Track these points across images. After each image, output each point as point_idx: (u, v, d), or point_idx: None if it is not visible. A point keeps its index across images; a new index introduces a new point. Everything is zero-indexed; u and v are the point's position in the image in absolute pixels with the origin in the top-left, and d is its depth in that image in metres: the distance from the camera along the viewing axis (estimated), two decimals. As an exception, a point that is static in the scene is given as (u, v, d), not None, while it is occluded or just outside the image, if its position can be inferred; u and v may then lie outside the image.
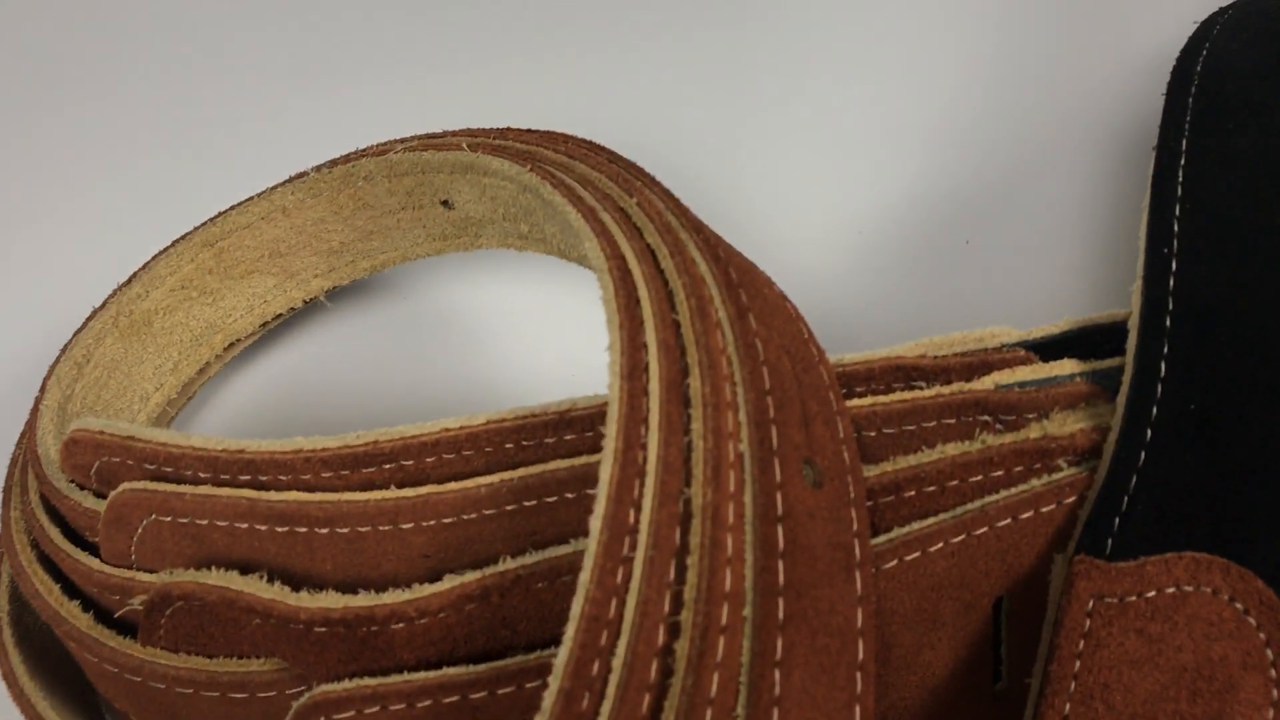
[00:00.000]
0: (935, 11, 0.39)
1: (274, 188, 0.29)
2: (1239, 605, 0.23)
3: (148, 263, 0.29)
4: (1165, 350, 0.23)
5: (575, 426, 0.24)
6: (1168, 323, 0.24)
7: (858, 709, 0.21)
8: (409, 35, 0.40)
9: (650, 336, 0.22)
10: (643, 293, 0.22)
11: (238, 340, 0.31)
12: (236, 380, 0.32)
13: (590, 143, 0.27)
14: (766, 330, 0.23)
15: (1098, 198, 0.35)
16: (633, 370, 0.21)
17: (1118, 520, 0.23)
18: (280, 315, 0.31)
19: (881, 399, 0.24)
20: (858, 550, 0.22)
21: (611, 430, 0.20)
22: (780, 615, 0.20)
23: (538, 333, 0.32)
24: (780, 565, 0.20)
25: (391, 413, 0.31)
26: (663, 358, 0.21)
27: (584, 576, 0.19)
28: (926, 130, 0.37)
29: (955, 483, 0.23)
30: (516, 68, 0.39)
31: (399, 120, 0.37)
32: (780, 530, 0.20)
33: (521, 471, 0.23)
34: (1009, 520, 0.23)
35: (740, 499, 0.20)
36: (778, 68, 0.38)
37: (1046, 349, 0.25)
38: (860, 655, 0.21)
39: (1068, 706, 0.22)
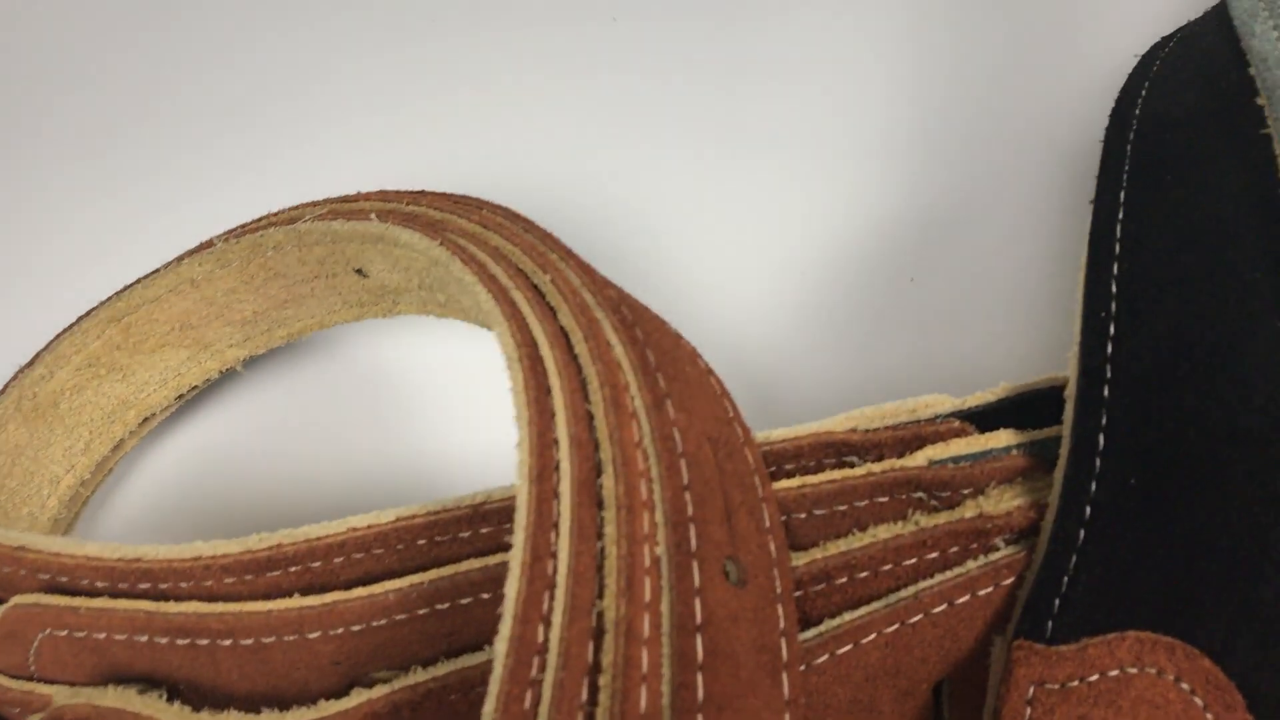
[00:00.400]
0: (879, 40, 0.38)
1: (180, 259, 0.28)
2: (1185, 686, 0.22)
3: (50, 342, 0.28)
4: (1103, 422, 0.22)
5: (491, 520, 0.23)
6: (1105, 392, 0.23)
7: (787, 821, 0.20)
8: (337, 82, 0.38)
9: (562, 432, 0.21)
10: (555, 383, 0.21)
11: (153, 414, 0.30)
12: (155, 453, 0.30)
13: (507, 211, 0.26)
14: (687, 417, 0.22)
15: (1049, 230, 0.34)
16: (542, 472, 0.20)
17: (1058, 602, 0.22)
18: (196, 387, 0.30)
19: (811, 479, 0.23)
20: (784, 650, 0.21)
21: (519, 540, 0.19)
22: (699, 734, 0.19)
23: (469, 394, 0.31)
24: (699, 679, 0.19)
25: (315, 483, 0.30)
26: (574, 455, 0.20)
27: (488, 707, 0.18)
28: (869, 163, 0.36)
29: (889, 567, 0.22)
30: (452, 108, 0.38)
31: (321, 168, 0.36)
32: (699, 641, 0.19)
33: (433, 574, 0.22)
34: (944, 606, 0.22)
35: (656, 609, 0.19)
36: (713, 103, 0.37)
37: (983, 418, 0.24)
38: (789, 763, 0.20)
39: (1009, 801, 0.21)
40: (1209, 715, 0.22)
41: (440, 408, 0.31)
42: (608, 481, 0.20)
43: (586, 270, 0.24)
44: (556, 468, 0.20)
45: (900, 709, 0.23)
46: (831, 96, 0.37)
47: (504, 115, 0.37)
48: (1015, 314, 0.33)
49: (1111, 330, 0.23)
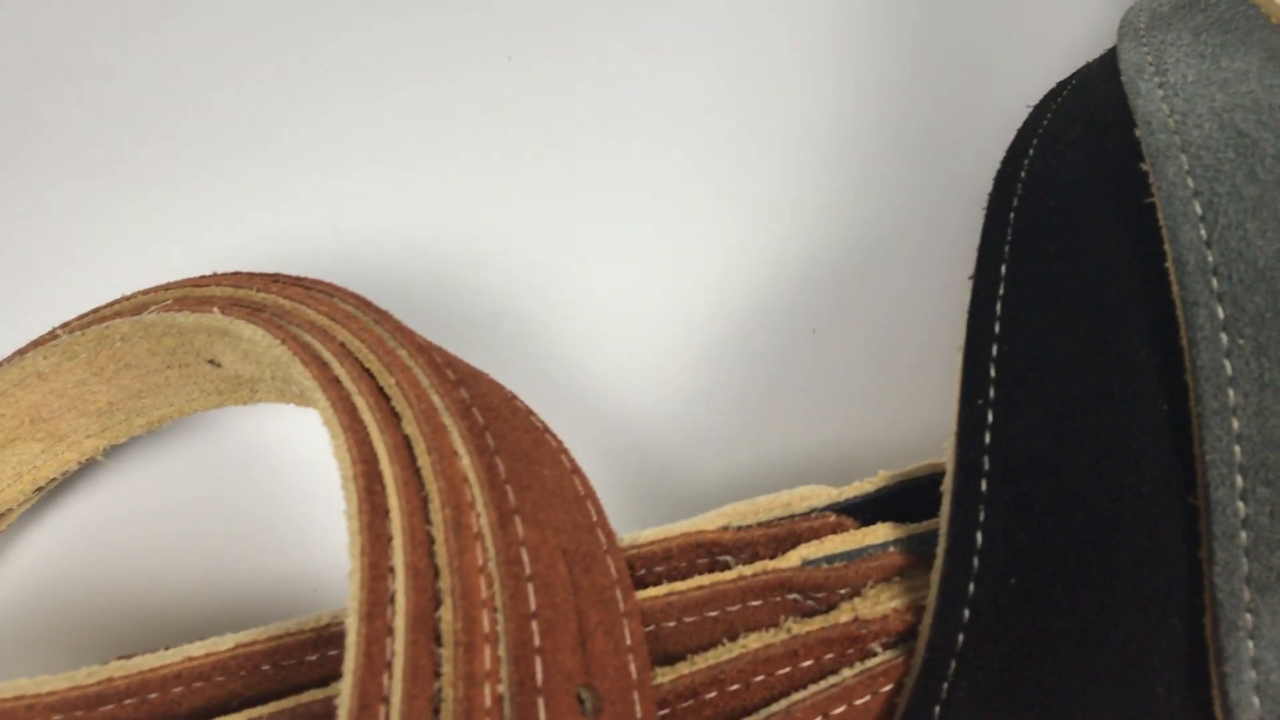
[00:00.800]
0: (783, 72, 0.37)
1: (23, 352, 0.26)
2: (1073, 797, 0.21)
3: (-114, 444, 0.26)
4: (980, 518, 0.21)
5: (337, 642, 0.21)
6: (983, 486, 0.21)
7: None
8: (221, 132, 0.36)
9: (398, 560, 0.19)
10: (393, 503, 0.20)
11: (9, 509, 0.28)
12: (13, 552, 0.29)
13: (359, 300, 0.25)
14: (538, 532, 0.20)
15: (957, 277, 0.33)
16: (374, 609, 0.19)
17: (938, 709, 0.21)
18: (54, 479, 0.28)
19: (679, 586, 0.22)
20: (645, 785, 0.19)
21: (346, 686, 0.18)
22: None
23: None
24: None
25: (191, 578, 0.28)
26: (411, 586, 0.19)
27: None
28: (768, 210, 0.34)
29: (761, 678, 0.21)
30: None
31: (200, 224, 0.34)
32: (542, 787, 0.18)
33: (271, 708, 0.21)
34: (819, 719, 0.21)
35: (497, 755, 0.18)
36: (592, 145, 0.35)
37: (862, 510, 0.23)
38: None
39: None
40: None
41: (322, 489, 0.29)
42: (446, 615, 0.19)
43: (438, 369, 0.22)
44: (391, 600, 0.19)
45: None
46: (730, 139, 0.35)
47: (394, 162, 0.35)
48: (925, 369, 0.32)
49: (989, 419, 0.22)
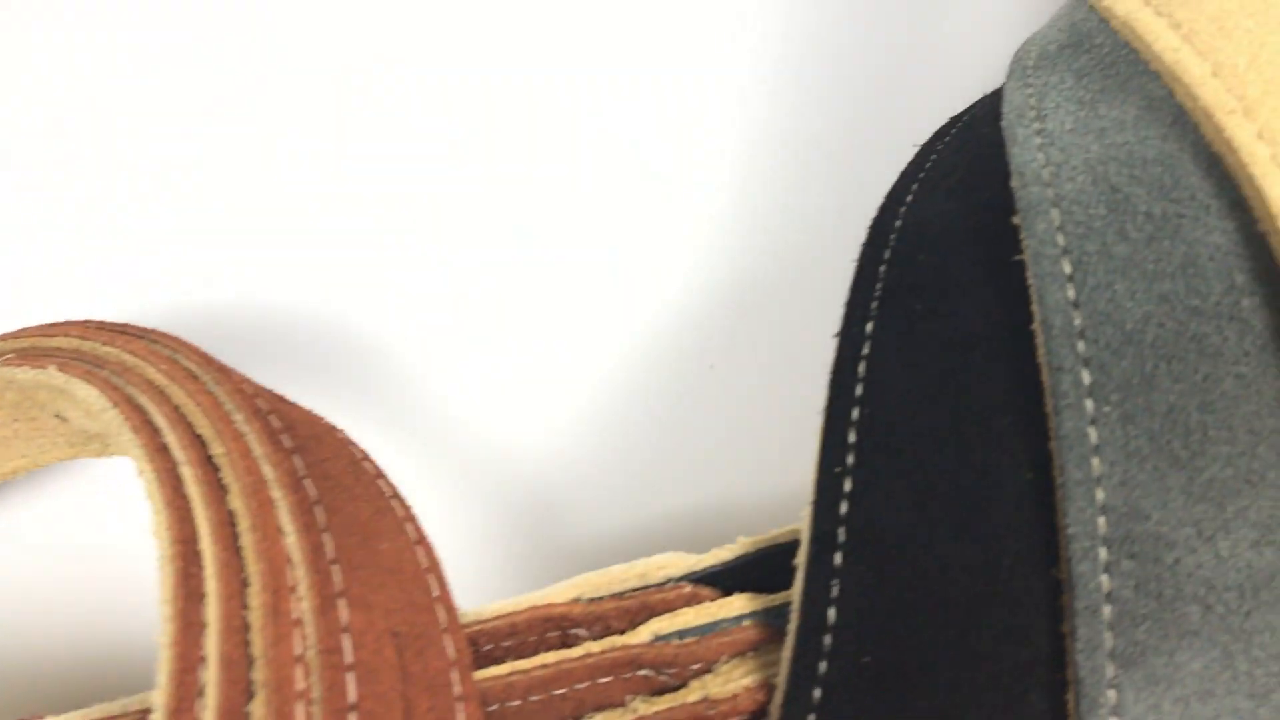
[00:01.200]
0: (690, 99, 0.36)
1: None
2: None
3: None
4: (834, 594, 0.20)
5: (162, 727, 0.21)
6: (837, 560, 0.21)
7: None
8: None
9: (211, 649, 0.18)
10: (211, 586, 0.19)
11: None
12: None
13: (202, 356, 0.23)
14: (365, 616, 0.19)
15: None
16: (180, 704, 0.18)
17: (786, 798, 0.20)
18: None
19: (522, 665, 0.21)
20: None
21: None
22: None
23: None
24: None
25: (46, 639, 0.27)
26: (222, 679, 0.18)
27: None
28: (664, 247, 0.33)
29: (607, 765, 0.20)
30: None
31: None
32: None
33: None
34: (666, 803, 0.20)
35: None
36: (490, 193, 0.34)
37: (721, 579, 0.22)
38: None
39: None
40: None
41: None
42: (258, 708, 0.18)
43: (273, 436, 0.21)
44: (201, 694, 0.18)
45: None
46: (619, 173, 0.34)
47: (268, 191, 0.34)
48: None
49: (847, 487, 0.21)
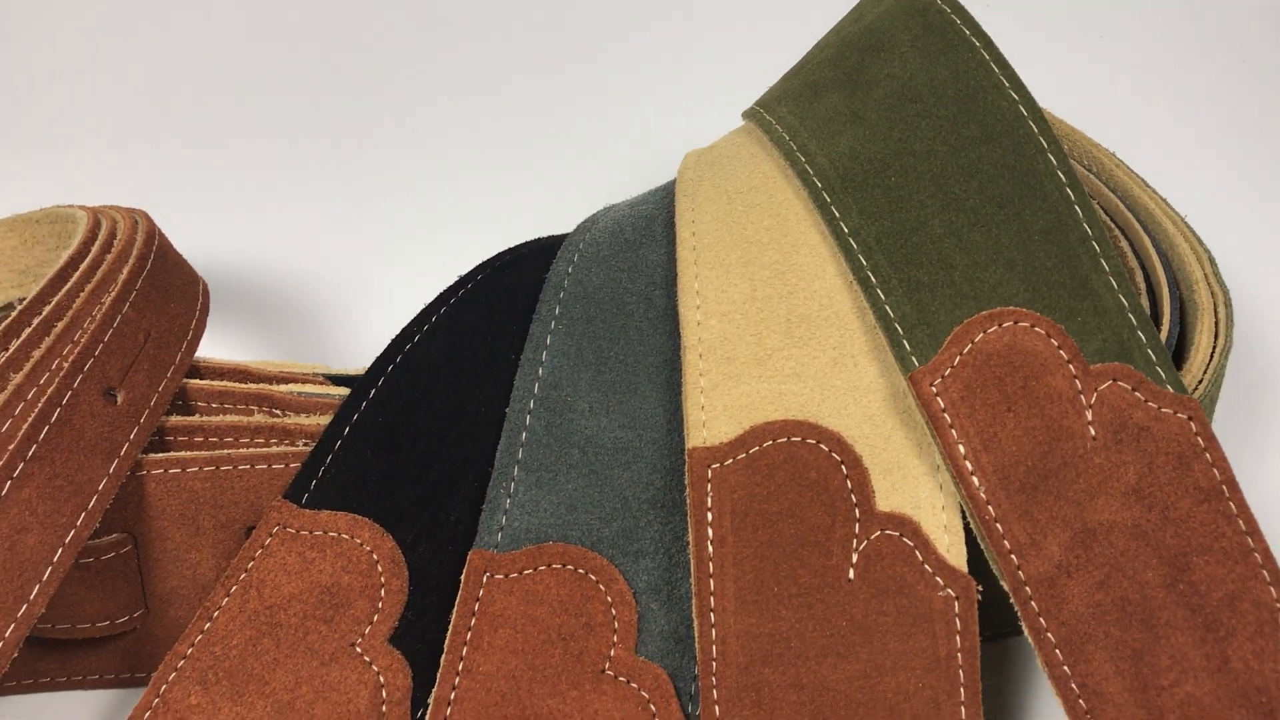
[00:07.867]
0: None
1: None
2: (372, 553, 0.34)
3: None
4: (373, 392, 0.36)
5: None
6: (381, 381, 0.36)
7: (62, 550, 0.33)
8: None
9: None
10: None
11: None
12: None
13: None
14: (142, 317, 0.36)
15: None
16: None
17: (313, 483, 0.35)
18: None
19: (212, 384, 0.37)
20: (124, 449, 0.34)
21: None
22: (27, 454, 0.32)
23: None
24: (43, 433, 0.33)
25: None
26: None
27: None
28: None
29: (230, 439, 0.36)
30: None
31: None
32: (57, 414, 0.33)
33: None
34: (248, 466, 0.35)
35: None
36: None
37: (342, 381, 0.38)
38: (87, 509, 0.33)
39: (233, 588, 0.34)
40: (381, 576, 0.34)
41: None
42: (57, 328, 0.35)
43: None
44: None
45: (220, 535, 0.36)
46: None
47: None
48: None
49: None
